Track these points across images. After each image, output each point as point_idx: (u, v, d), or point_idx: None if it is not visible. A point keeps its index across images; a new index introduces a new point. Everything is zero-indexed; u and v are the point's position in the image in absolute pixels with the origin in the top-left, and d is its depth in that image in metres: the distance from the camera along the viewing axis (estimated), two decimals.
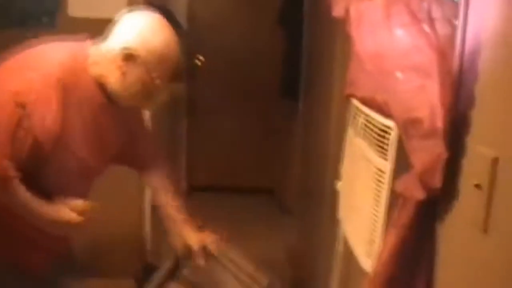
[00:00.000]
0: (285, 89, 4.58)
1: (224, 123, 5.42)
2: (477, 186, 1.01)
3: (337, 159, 2.07)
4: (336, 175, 2.06)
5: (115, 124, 1.85)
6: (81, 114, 1.71)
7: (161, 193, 2.12)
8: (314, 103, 3.12)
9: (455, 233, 1.14)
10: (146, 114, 3.54)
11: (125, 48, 1.65)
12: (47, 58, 1.71)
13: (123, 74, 1.67)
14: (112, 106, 1.78)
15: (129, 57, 1.65)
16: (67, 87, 1.65)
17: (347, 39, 1.92)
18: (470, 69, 1.09)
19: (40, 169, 1.69)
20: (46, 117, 1.61)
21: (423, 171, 1.15)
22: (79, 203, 1.70)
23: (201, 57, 5.25)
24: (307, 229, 3.23)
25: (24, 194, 1.63)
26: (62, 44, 1.76)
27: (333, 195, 2.10)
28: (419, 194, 1.17)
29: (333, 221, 2.12)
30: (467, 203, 1.08)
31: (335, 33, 2.37)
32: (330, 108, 2.44)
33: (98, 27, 1.76)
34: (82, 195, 1.80)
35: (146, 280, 3.49)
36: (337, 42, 2.33)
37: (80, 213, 1.68)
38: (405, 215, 1.23)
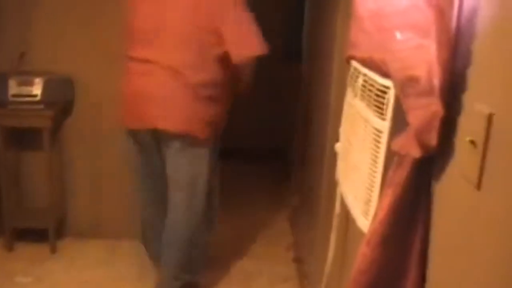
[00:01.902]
0: (288, 52, 4.56)
1: None
2: (472, 142, 1.01)
3: (337, 121, 2.07)
4: (335, 137, 2.06)
5: None
6: None
7: None
8: (316, 65, 3.10)
9: (450, 190, 1.15)
10: None
11: None
12: None
13: None
14: None
15: None
16: None
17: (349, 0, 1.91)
18: (468, 27, 1.08)
19: None
20: None
21: (420, 129, 1.15)
22: None
23: None
24: (306, 191, 3.25)
25: None
26: None
27: (333, 157, 2.11)
28: (415, 152, 1.17)
29: (331, 183, 2.13)
30: (462, 160, 1.09)
31: None
32: (331, 70, 2.43)
33: None
34: None
35: None
36: (340, 3, 2.31)
37: None
38: (401, 173, 1.24)
